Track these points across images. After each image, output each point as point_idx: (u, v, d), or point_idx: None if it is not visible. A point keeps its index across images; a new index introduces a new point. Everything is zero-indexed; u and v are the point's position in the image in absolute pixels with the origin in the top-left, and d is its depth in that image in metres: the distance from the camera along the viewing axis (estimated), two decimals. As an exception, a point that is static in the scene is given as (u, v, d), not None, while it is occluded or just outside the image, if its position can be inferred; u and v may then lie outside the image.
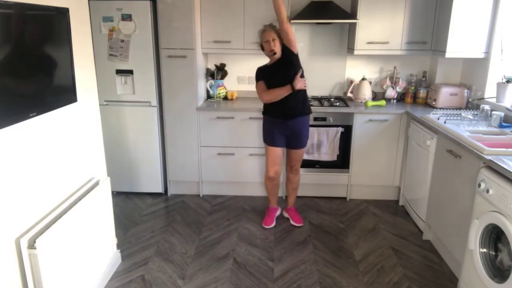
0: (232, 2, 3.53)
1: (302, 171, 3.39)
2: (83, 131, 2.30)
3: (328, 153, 3.55)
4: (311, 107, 3.46)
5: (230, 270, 2.65)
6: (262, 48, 2.92)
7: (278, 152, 3.07)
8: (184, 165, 3.70)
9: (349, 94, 3.85)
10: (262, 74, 2.98)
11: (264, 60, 3.03)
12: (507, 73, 3.13)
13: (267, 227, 3.21)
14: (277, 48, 2.84)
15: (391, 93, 3.82)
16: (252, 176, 3.70)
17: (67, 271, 1.99)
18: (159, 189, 3.77)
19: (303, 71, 2.90)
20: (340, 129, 3.50)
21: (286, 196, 3.49)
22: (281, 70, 2.88)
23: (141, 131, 3.61)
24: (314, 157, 3.56)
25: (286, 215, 3.37)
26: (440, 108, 3.49)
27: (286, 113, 2.94)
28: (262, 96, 2.94)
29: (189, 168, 3.71)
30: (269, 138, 3.06)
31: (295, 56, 2.86)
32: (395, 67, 3.90)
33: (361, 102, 3.74)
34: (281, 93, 2.86)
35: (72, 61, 2.11)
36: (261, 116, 3.08)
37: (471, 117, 2.96)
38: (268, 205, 3.35)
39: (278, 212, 3.37)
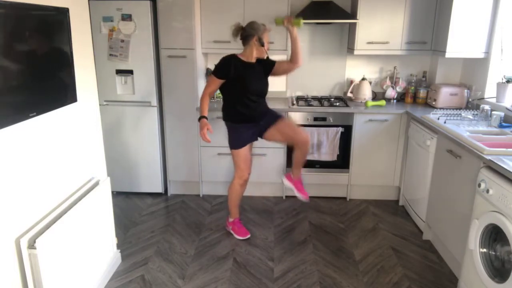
0: (232, 2, 3.52)
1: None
2: (83, 131, 2.30)
3: (328, 153, 3.55)
4: (311, 107, 3.47)
5: (230, 270, 2.65)
6: (260, 42, 2.69)
7: (248, 149, 2.91)
8: (184, 165, 3.70)
9: (349, 94, 3.85)
10: (235, 68, 2.70)
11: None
12: (507, 73, 3.13)
13: (247, 237, 3.03)
14: None
15: (391, 93, 3.82)
16: (252, 176, 3.67)
17: (67, 271, 1.99)
18: (159, 189, 3.77)
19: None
20: (340, 129, 3.50)
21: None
22: (262, 72, 2.84)
23: (141, 131, 3.61)
24: (314, 157, 3.55)
25: (291, 186, 3.08)
26: (440, 108, 3.49)
27: (256, 116, 2.83)
28: (202, 96, 2.77)
29: (189, 168, 3.71)
30: (239, 143, 2.85)
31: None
32: (395, 67, 3.90)
33: (361, 102, 3.74)
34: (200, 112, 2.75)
35: (72, 61, 2.11)
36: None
37: (471, 117, 2.96)
38: (232, 219, 3.10)
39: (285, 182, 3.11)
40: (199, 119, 2.74)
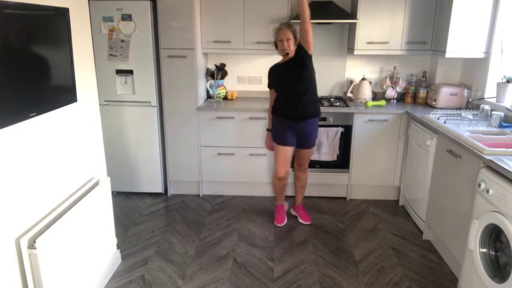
0: (232, 2, 3.52)
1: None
2: (83, 131, 2.30)
3: (328, 153, 3.55)
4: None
5: (230, 270, 2.65)
6: (276, 46, 2.94)
7: (289, 151, 3.06)
8: (184, 165, 3.70)
9: (349, 94, 3.85)
10: (274, 74, 3.03)
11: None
12: (507, 73, 3.13)
13: (280, 225, 3.23)
14: (291, 48, 2.86)
15: (391, 93, 3.82)
16: (252, 176, 3.70)
17: (67, 271, 1.99)
18: (159, 189, 3.77)
19: (314, 73, 2.95)
20: (340, 129, 3.50)
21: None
22: (292, 69, 2.88)
23: (141, 131, 3.61)
24: (314, 157, 3.55)
25: (294, 213, 3.38)
26: (440, 108, 3.49)
27: (295, 115, 2.94)
28: (269, 109, 3.14)
29: (189, 168, 3.71)
30: (280, 138, 3.04)
31: (309, 57, 2.84)
32: (395, 67, 3.90)
33: (361, 102, 3.74)
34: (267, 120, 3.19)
35: (72, 61, 2.11)
36: (261, 116, 3.09)
37: (471, 117, 2.96)
38: (276, 203, 3.35)
39: (285, 208, 3.39)
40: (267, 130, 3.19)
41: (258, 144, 3.58)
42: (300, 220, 3.29)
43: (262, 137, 3.52)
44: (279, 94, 3.01)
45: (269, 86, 3.09)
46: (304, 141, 3.06)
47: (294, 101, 2.92)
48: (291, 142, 3.04)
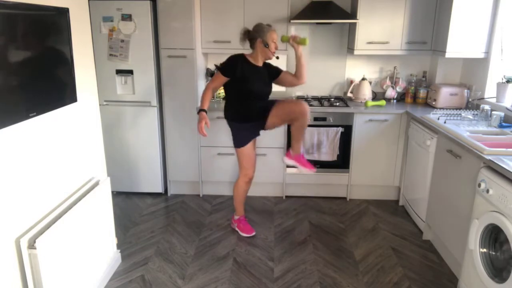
0: (232, 2, 3.52)
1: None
2: (83, 131, 2.30)
3: (328, 153, 3.55)
4: (311, 107, 3.46)
5: (230, 270, 2.65)
6: (265, 45, 2.71)
7: (252, 147, 2.93)
8: (184, 165, 3.70)
9: (349, 94, 3.85)
10: (243, 69, 2.72)
11: (270, 61, 2.97)
12: (507, 73, 3.12)
13: (252, 234, 3.06)
14: None
15: (391, 93, 3.82)
16: (252, 176, 3.69)
17: (67, 271, 1.99)
18: (159, 189, 3.77)
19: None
20: (340, 129, 3.50)
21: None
22: (267, 77, 2.87)
23: (141, 131, 3.60)
24: (314, 157, 3.55)
25: (293, 163, 3.00)
26: (440, 108, 3.49)
27: (260, 115, 2.81)
28: (205, 90, 2.75)
29: (189, 168, 3.71)
30: (245, 141, 2.86)
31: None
32: (395, 67, 3.90)
33: (361, 102, 3.74)
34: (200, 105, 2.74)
35: (72, 61, 2.11)
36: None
37: (471, 117, 2.96)
38: (238, 217, 3.11)
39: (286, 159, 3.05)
40: (198, 112, 2.70)
41: (258, 144, 3.57)
42: (304, 169, 2.96)
43: (261, 137, 3.51)
44: (238, 94, 2.78)
45: (227, 74, 2.72)
46: (266, 113, 2.78)
47: (261, 105, 2.80)
48: (254, 135, 2.91)
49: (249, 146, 2.89)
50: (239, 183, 2.99)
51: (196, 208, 3.55)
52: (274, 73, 2.92)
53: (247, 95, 2.78)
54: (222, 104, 3.65)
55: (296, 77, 2.90)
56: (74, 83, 2.14)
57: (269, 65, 2.91)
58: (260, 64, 2.83)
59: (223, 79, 2.76)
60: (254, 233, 3.07)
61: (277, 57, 2.86)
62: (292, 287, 2.49)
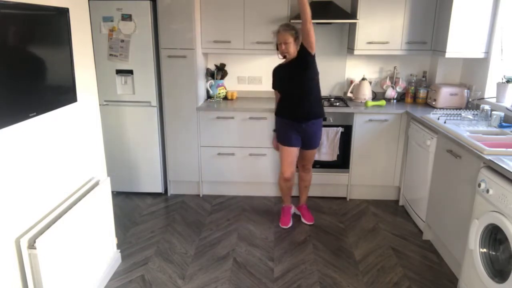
0: (232, 2, 3.52)
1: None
2: (83, 131, 2.30)
3: (328, 153, 3.55)
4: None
5: (230, 270, 2.65)
6: (277, 48, 2.95)
7: (294, 152, 3.05)
8: (184, 165, 3.70)
9: (349, 94, 3.85)
10: (277, 74, 3.04)
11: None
12: (507, 73, 3.13)
13: (285, 227, 3.20)
14: (290, 51, 2.86)
15: (391, 93, 3.82)
16: (252, 176, 3.70)
17: (67, 271, 1.99)
18: (159, 189, 3.77)
19: (318, 73, 2.96)
20: (340, 129, 3.50)
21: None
22: (295, 70, 2.89)
23: (141, 131, 3.60)
24: (314, 157, 3.55)
25: (297, 212, 3.38)
26: (440, 108, 3.50)
27: (298, 116, 2.95)
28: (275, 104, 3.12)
29: (189, 168, 3.71)
30: (285, 139, 3.03)
31: (312, 58, 2.84)
32: (395, 67, 3.90)
33: (361, 102, 3.74)
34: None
35: (72, 61, 2.11)
36: (261, 116, 3.07)
37: (471, 117, 2.96)
38: (282, 205, 3.34)
39: (292, 211, 3.37)
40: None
41: (258, 144, 3.58)
42: (303, 220, 3.29)
43: (262, 137, 3.53)
44: (282, 94, 3.03)
45: (273, 86, 3.11)
46: (308, 142, 3.05)
47: (297, 101, 2.93)
48: (296, 143, 3.03)
49: (289, 148, 3.02)
50: (279, 179, 3.23)
51: (196, 208, 3.55)
52: (301, 50, 2.84)
53: (283, 94, 3.03)
54: (222, 104, 3.69)
55: (302, 20, 2.66)
56: (74, 83, 2.14)
57: (298, 53, 2.88)
58: (288, 61, 2.93)
59: (277, 91, 3.10)
60: (287, 226, 3.21)
61: (285, 56, 2.91)
62: (292, 287, 2.49)
